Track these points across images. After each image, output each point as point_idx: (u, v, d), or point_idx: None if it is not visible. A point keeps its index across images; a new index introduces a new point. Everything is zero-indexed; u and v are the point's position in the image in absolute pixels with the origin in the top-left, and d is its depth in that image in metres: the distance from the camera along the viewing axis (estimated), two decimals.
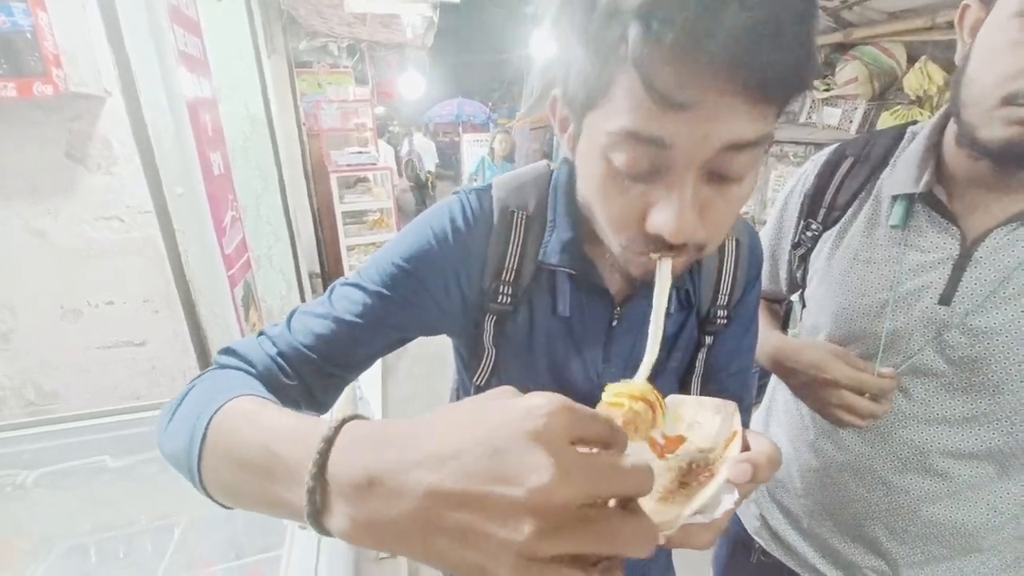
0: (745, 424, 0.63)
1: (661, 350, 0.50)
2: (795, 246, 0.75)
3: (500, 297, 0.53)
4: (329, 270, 4.31)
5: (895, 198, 0.63)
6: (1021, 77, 0.47)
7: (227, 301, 1.47)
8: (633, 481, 0.25)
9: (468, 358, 0.59)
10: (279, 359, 0.47)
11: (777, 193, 2.93)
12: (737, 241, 0.58)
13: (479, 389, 0.59)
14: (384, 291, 0.50)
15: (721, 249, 0.57)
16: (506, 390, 0.28)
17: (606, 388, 0.37)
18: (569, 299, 0.53)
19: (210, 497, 0.37)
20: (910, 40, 2.16)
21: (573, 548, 0.23)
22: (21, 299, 1.15)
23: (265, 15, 3.08)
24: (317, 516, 0.27)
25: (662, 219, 0.36)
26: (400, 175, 8.21)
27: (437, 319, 0.53)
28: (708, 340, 0.58)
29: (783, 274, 0.79)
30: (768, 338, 0.73)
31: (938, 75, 2.00)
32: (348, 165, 3.65)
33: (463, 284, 0.52)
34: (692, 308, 0.57)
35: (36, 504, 0.81)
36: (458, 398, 0.70)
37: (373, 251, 3.88)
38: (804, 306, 0.75)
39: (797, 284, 0.77)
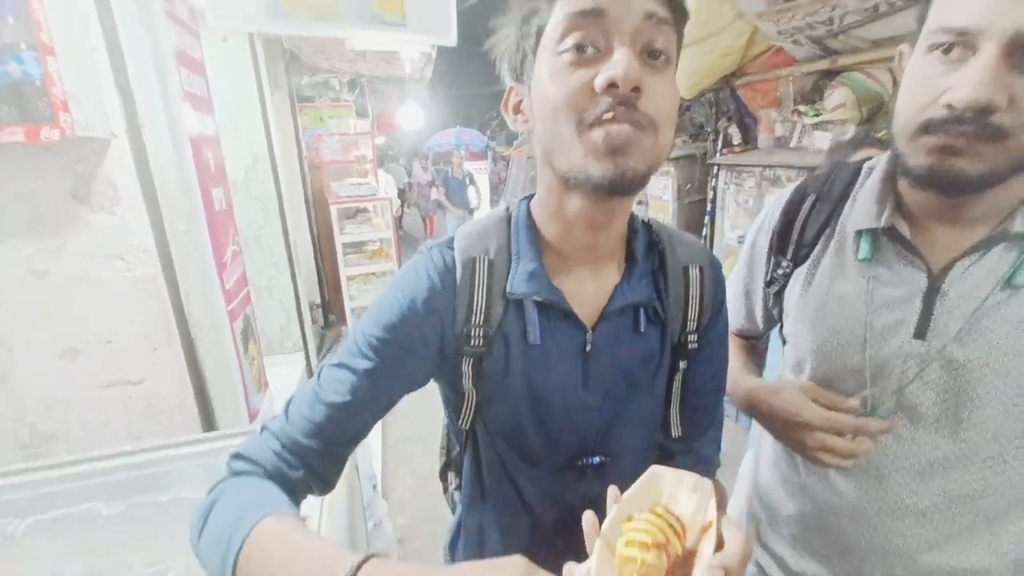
0: (717, 444, 0.65)
1: (643, 374, 0.53)
2: (768, 283, 0.75)
3: (472, 340, 0.55)
4: (329, 300, 4.31)
5: (859, 233, 0.64)
6: (933, 107, 0.50)
7: (226, 336, 1.47)
8: None
9: (452, 402, 0.61)
10: (284, 453, 0.51)
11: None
12: (700, 268, 0.61)
13: (464, 433, 0.61)
14: (368, 364, 0.53)
15: (686, 275, 0.60)
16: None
17: (624, 526, 0.38)
18: (539, 327, 0.55)
19: None
20: (893, 65, 2.22)
21: None
22: (19, 339, 1.15)
23: (269, 53, 3.18)
24: None
25: (611, 68, 0.43)
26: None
27: (421, 372, 0.57)
28: (683, 364, 0.61)
29: (758, 312, 0.80)
30: (741, 382, 0.73)
31: None
32: (348, 196, 3.70)
33: (438, 335, 0.55)
34: (662, 327, 0.59)
35: (27, 555, 0.79)
36: (448, 441, 0.71)
37: (372, 281, 3.86)
38: (784, 342, 0.75)
39: (774, 320, 0.78)
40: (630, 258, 0.58)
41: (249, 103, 2.78)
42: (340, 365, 0.54)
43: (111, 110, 1.12)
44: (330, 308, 4.33)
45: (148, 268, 1.18)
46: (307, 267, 3.85)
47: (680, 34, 0.49)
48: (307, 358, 3.29)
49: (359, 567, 0.32)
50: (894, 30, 2.05)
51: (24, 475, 0.80)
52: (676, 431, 0.63)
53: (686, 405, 0.62)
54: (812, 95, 2.71)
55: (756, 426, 0.83)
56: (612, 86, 0.43)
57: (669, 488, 0.39)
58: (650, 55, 0.46)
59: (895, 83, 2.28)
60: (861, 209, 0.64)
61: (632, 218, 0.59)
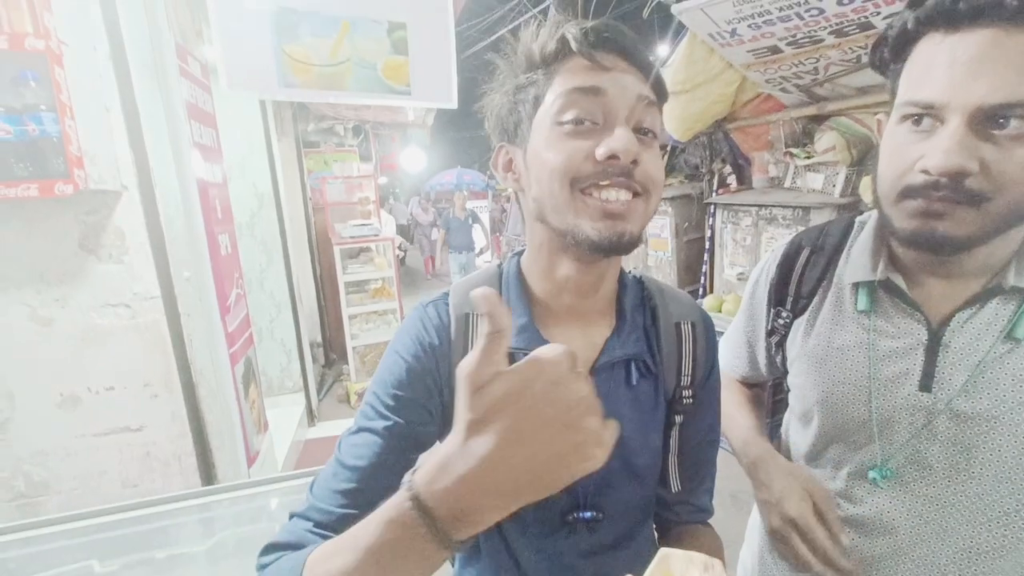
0: (710, 492, 0.64)
1: (636, 429, 0.52)
2: (769, 333, 0.76)
3: None
4: (330, 339, 4.30)
5: (856, 285, 0.65)
6: (908, 174, 0.52)
7: (227, 380, 1.47)
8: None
9: None
10: (318, 530, 0.49)
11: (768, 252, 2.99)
12: (692, 324, 0.62)
13: None
14: (387, 423, 0.53)
15: (679, 331, 0.61)
16: None
17: None
18: None
19: None
20: (877, 112, 2.30)
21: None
22: (21, 387, 1.15)
23: (277, 103, 3.31)
24: (451, 548, 0.34)
25: (613, 142, 0.47)
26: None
27: (433, 426, 0.56)
28: (679, 419, 0.61)
29: (761, 360, 0.80)
30: (750, 444, 0.72)
31: None
32: (352, 237, 3.75)
33: (440, 389, 0.56)
34: (655, 381, 0.60)
35: None
36: None
37: (374, 319, 3.81)
38: (788, 390, 0.75)
39: (778, 368, 0.78)
40: (620, 313, 0.60)
41: (257, 149, 2.88)
42: (359, 430, 0.54)
43: (123, 164, 1.17)
44: (331, 346, 4.31)
45: (152, 315, 1.20)
46: (309, 306, 3.87)
47: (660, 113, 0.55)
48: (307, 398, 3.26)
49: (411, 488, 0.33)
50: (877, 79, 2.14)
51: (15, 533, 0.78)
52: (675, 486, 0.62)
53: (683, 459, 0.63)
54: (803, 138, 2.80)
55: None
56: (613, 157, 0.47)
57: (680, 570, 0.38)
58: (641, 132, 0.50)
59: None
60: (856, 262, 0.65)
61: (622, 274, 0.61)
